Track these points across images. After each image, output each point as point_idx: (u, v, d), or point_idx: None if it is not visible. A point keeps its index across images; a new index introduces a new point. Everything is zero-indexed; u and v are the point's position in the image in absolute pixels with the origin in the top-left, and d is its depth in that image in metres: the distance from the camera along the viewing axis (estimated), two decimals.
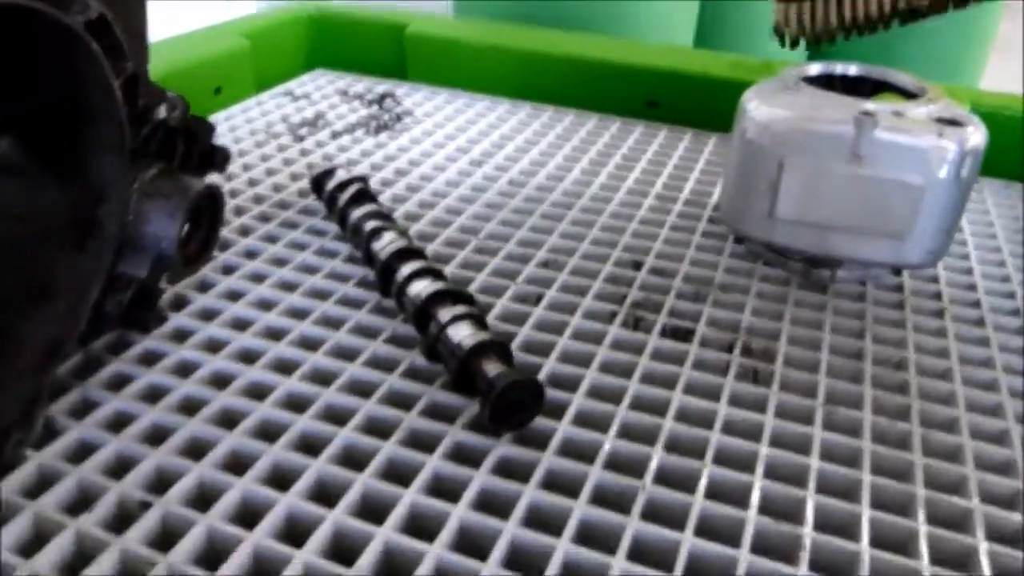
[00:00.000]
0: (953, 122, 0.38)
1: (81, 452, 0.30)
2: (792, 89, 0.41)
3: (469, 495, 0.28)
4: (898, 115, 0.38)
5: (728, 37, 0.92)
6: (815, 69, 0.44)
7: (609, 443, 0.31)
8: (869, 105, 0.38)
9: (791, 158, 0.39)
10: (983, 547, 0.28)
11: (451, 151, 0.57)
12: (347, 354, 0.35)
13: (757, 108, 0.40)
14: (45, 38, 0.25)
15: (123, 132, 0.29)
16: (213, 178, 0.37)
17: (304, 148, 0.56)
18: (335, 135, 0.58)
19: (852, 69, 0.44)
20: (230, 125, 0.59)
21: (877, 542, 0.28)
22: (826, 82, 0.44)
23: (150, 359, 0.35)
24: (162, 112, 0.31)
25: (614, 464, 0.30)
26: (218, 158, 0.37)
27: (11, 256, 0.30)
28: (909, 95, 0.42)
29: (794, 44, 0.39)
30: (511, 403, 0.31)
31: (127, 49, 0.27)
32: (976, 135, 0.38)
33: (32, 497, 0.28)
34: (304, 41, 0.72)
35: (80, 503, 0.28)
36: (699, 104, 0.63)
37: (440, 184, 0.52)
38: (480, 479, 0.29)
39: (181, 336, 0.36)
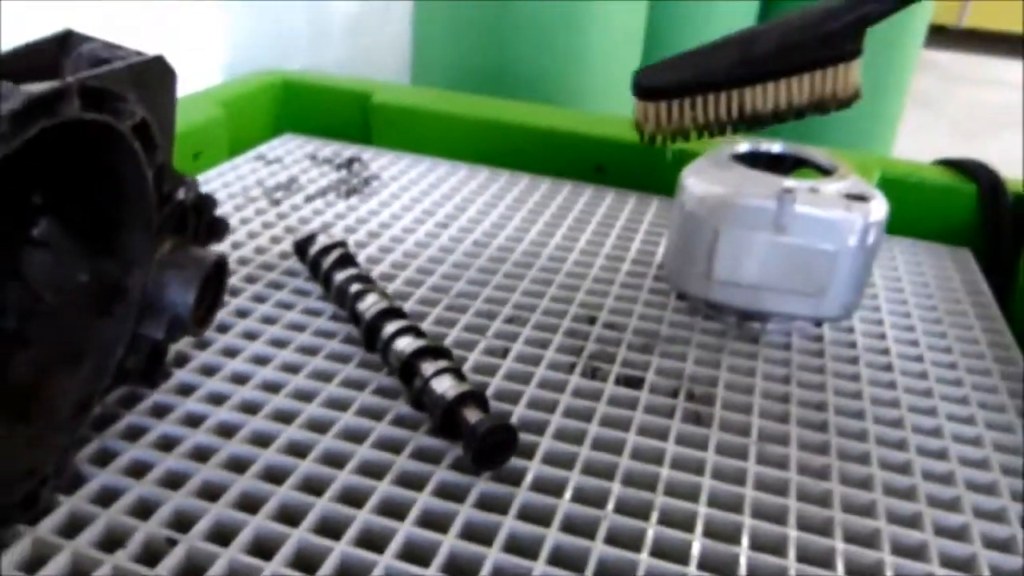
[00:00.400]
0: (860, 197, 0.45)
1: (107, 497, 0.33)
2: (724, 167, 0.47)
3: (456, 527, 0.33)
4: (814, 191, 0.44)
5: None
6: (743, 147, 0.50)
7: (574, 479, 0.36)
8: (789, 182, 0.44)
9: (724, 227, 0.44)
10: (888, 560, 0.33)
11: (418, 213, 0.62)
12: (339, 404, 0.40)
13: (695, 184, 0.46)
14: (97, 138, 0.30)
15: (151, 214, 0.33)
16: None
17: (280, 212, 0.60)
18: (308, 199, 0.63)
19: (775, 148, 0.51)
20: (208, 189, 0.63)
21: (802, 558, 0.33)
22: (752, 158, 0.50)
23: (160, 411, 0.38)
24: (181, 194, 0.35)
25: (579, 497, 0.35)
26: (219, 229, 0.41)
27: (48, 323, 0.33)
28: (824, 171, 0.49)
29: (651, 141, 0.40)
30: (490, 446, 0.35)
31: (159, 144, 0.32)
32: (879, 208, 0.44)
33: (68, 537, 0.31)
34: (274, 107, 0.76)
35: (111, 542, 0.31)
36: (643, 169, 0.69)
37: (410, 245, 0.57)
38: (465, 512, 0.34)
39: (186, 390, 0.40)
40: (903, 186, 0.66)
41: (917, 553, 0.34)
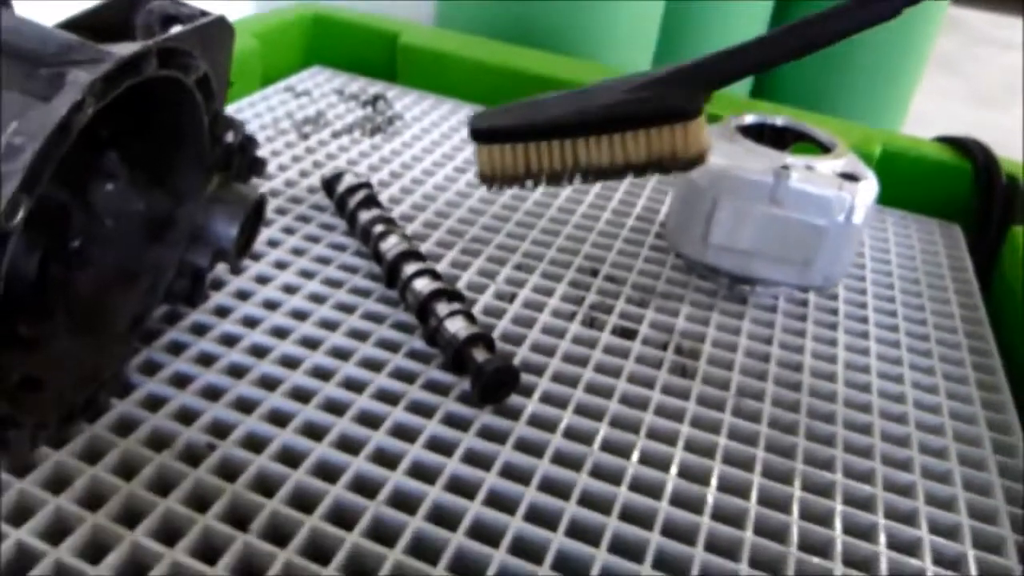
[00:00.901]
0: (852, 177, 0.48)
1: (153, 403, 0.38)
2: (729, 139, 0.50)
3: (459, 452, 0.37)
4: (809, 169, 0.47)
5: (690, 41, 1.01)
6: (749, 119, 0.53)
7: (567, 417, 0.40)
8: (788, 159, 0.48)
9: (723, 197, 0.48)
10: (839, 509, 0.38)
11: (438, 157, 0.65)
12: (359, 335, 0.44)
13: None
14: (164, 88, 0.33)
15: (204, 154, 0.37)
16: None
17: (308, 146, 0.63)
18: (335, 134, 0.66)
19: (779, 121, 0.54)
20: (240, 119, 0.66)
21: (764, 502, 0.38)
22: (757, 131, 0.53)
23: (199, 329, 0.42)
24: (229, 137, 0.38)
25: (570, 434, 0.40)
26: (258, 166, 0.44)
27: (108, 246, 0.37)
28: (823, 147, 0.52)
29: (488, 184, 0.37)
30: (494, 383, 0.39)
31: (216, 95, 0.35)
32: (869, 189, 0.48)
33: (120, 436, 0.35)
34: (304, 39, 0.79)
35: (157, 442, 0.36)
36: None
37: (429, 188, 0.60)
38: (468, 440, 0.38)
39: (223, 312, 0.44)
40: (902, 160, 0.69)
41: (866, 505, 0.39)
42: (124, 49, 0.27)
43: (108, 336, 0.37)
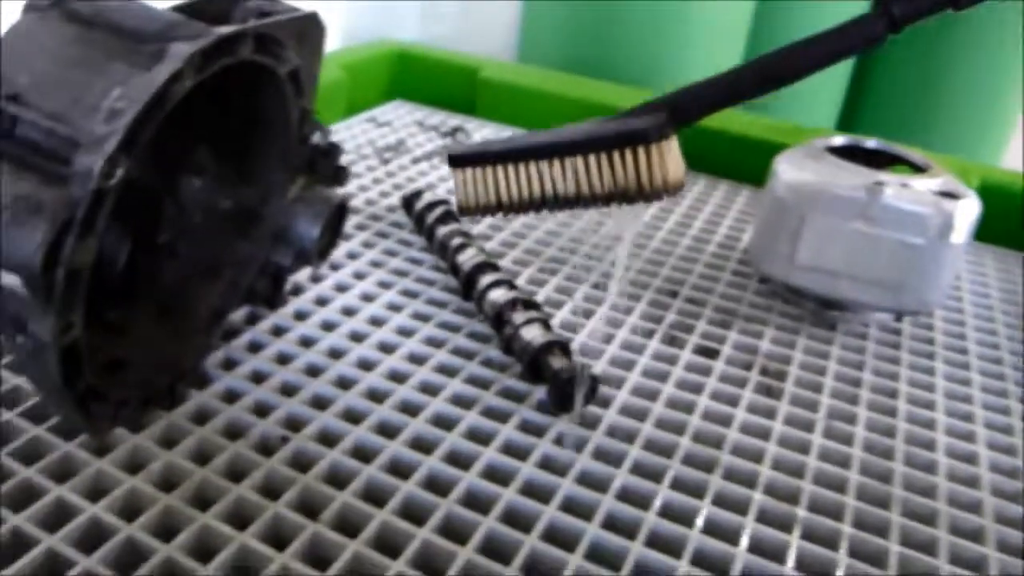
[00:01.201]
0: (951, 195, 0.46)
1: (230, 396, 0.38)
2: (817, 157, 0.49)
3: (534, 458, 0.36)
4: (905, 186, 0.46)
5: None
6: (839, 140, 0.52)
7: (646, 430, 0.39)
8: (881, 176, 0.46)
9: (811, 214, 0.46)
10: (944, 539, 0.35)
11: None
12: (435, 343, 0.43)
13: (786, 171, 0.48)
14: (256, 80, 0.34)
15: (290, 152, 0.37)
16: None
17: (388, 170, 0.64)
18: (415, 161, 0.67)
19: (870, 143, 0.52)
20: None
21: (858, 525, 0.35)
22: (848, 152, 0.51)
23: (278, 331, 0.43)
24: (316, 138, 0.39)
25: (650, 446, 0.38)
26: (342, 174, 0.45)
27: (195, 240, 0.38)
28: (917, 169, 0.50)
29: (463, 213, 0.35)
30: (571, 390, 0.38)
31: (305, 91, 0.36)
32: (969, 207, 0.45)
33: (197, 424, 0.35)
34: (388, 74, 0.81)
35: (232, 433, 0.36)
36: (734, 160, 0.71)
37: None
38: (543, 446, 0.37)
39: (301, 316, 0.44)
40: (1002, 195, 0.66)
41: (974, 536, 0.36)
42: (223, 30, 0.28)
43: (189, 327, 0.37)
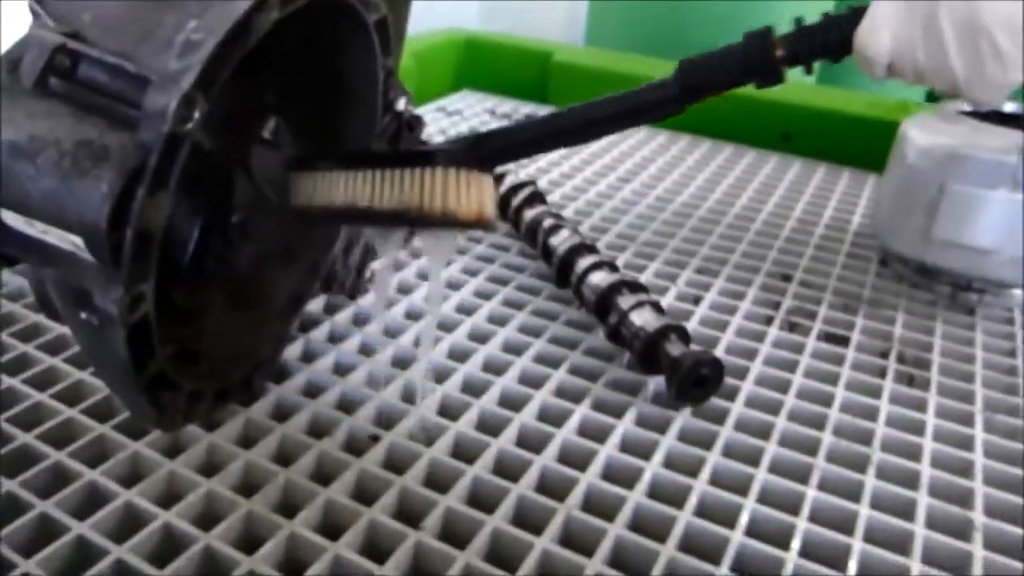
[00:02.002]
0: None
1: (312, 390, 0.34)
2: (952, 120, 0.43)
3: (659, 455, 0.31)
4: None
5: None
6: (966, 106, 0.46)
7: (781, 424, 0.34)
8: None
9: (952, 183, 0.41)
10: None
11: (598, 167, 0.60)
12: (532, 331, 0.39)
13: (919, 136, 0.42)
14: (338, 27, 0.30)
15: (376, 119, 0.34)
16: None
17: None
18: None
19: (1012, 107, 0.46)
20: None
21: None
22: (981, 118, 0.46)
23: (360, 321, 0.39)
24: (401, 104, 0.35)
25: (787, 442, 0.33)
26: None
27: (269, 220, 0.34)
28: None
29: (298, 216, 0.32)
30: (694, 379, 0.34)
31: (393, 47, 0.32)
32: None
33: (278, 421, 0.32)
34: (455, 62, 0.77)
35: (317, 431, 0.32)
36: (834, 139, 0.65)
37: (593, 196, 0.55)
38: (667, 443, 0.32)
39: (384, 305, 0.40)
40: None
41: None
42: None
43: (265, 315, 0.33)
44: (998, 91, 0.30)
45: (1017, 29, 0.29)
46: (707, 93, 0.30)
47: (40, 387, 0.33)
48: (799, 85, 0.71)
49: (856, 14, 0.30)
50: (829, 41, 0.30)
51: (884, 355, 0.40)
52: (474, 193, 0.28)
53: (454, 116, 0.69)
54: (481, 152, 0.29)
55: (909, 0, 0.30)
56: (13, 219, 0.21)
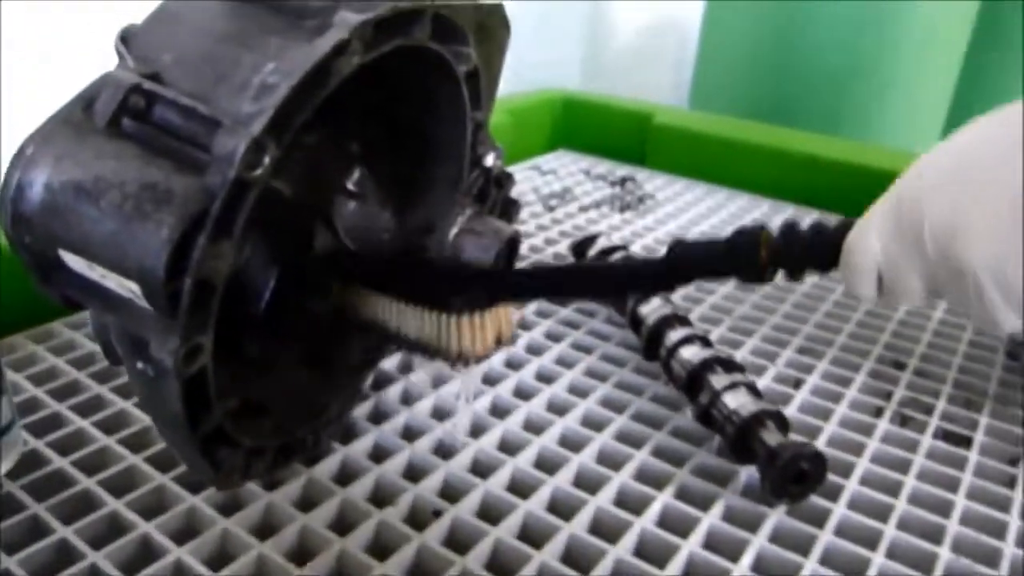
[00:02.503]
0: None
1: (379, 454, 0.32)
2: None
3: (748, 557, 0.28)
4: None
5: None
6: None
7: (889, 533, 0.30)
8: None
9: None
10: None
11: (695, 235, 0.58)
12: (614, 405, 0.36)
13: None
14: (427, 78, 0.29)
15: (462, 173, 0.32)
16: None
17: (555, 218, 0.59)
18: (582, 209, 0.61)
19: None
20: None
21: None
22: None
23: (436, 382, 0.37)
24: (490, 160, 0.34)
25: (896, 554, 0.29)
26: (513, 209, 0.39)
27: None
28: None
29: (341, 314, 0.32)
30: (793, 474, 0.30)
31: (483, 101, 0.31)
32: None
33: (340, 485, 0.30)
34: (552, 122, 0.76)
35: (380, 498, 0.30)
36: None
37: None
38: (757, 544, 0.29)
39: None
40: None
41: None
42: (399, 3, 0.23)
43: (338, 371, 0.32)
44: (997, 331, 0.26)
45: (1005, 277, 0.25)
46: (692, 278, 0.31)
47: (108, 431, 0.32)
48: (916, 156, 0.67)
49: (847, 224, 0.29)
50: (815, 245, 0.29)
51: (1013, 462, 0.35)
52: (489, 329, 0.29)
53: (548, 175, 0.68)
54: (495, 293, 0.29)
55: (897, 205, 0.27)
56: (75, 262, 0.20)
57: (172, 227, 0.19)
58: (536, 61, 0.90)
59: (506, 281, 0.31)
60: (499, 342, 0.29)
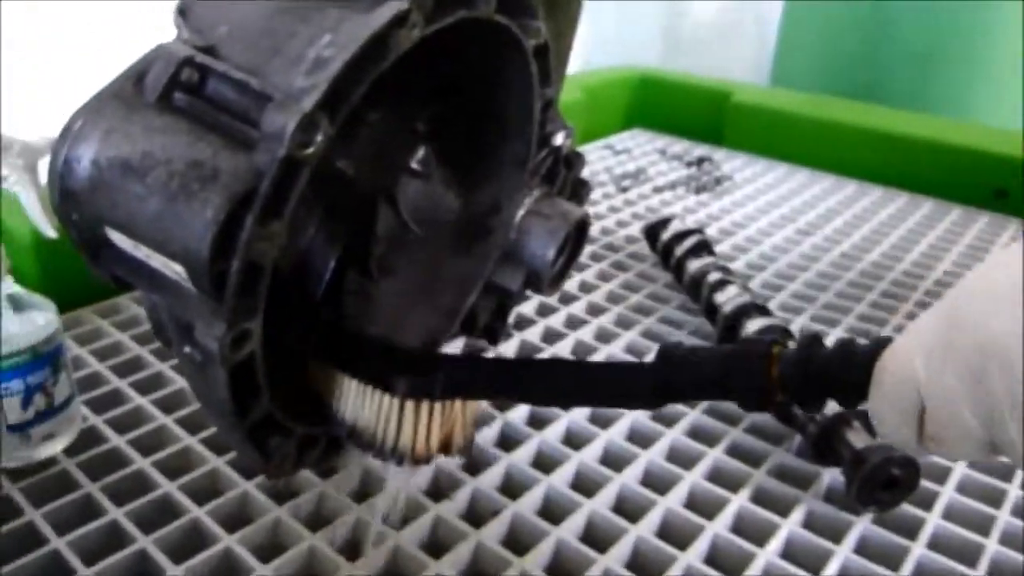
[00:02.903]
0: None
1: None
2: None
3: (830, 571, 0.26)
4: None
5: None
6: None
7: (991, 548, 0.27)
8: None
9: None
10: None
11: (775, 218, 0.55)
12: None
13: None
14: (494, 53, 0.27)
15: (530, 152, 0.31)
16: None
17: (627, 199, 0.57)
18: (656, 190, 0.59)
19: None
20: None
21: None
22: None
23: None
24: (559, 139, 0.32)
25: (999, 571, 0.27)
26: (584, 190, 0.38)
27: (411, 254, 0.32)
28: None
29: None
30: (882, 480, 0.28)
31: (553, 77, 0.29)
32: None
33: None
34: (627, 100, 0.74)
35: (437, 491, 0.29)
36: None
37: (767, 248, 0.50)
38: (842, 554, 0.27)
39: (528, 351, 0.37)
40: None
41: None
42: None
43: None
44: None
45: None
46: (682, 400, 0.26)
47: (167, 410, 0.32)
48: (1018, 134, 0.62)
49: (880, 343, 0.21)
50: (840, 368, 0.21)
51: None
52: (436, 429, 0.24)
53: (621, 155, 0.66)
54: (444, 383, 0.25)
55: (951, 317, 0.20)
56: (121, 240, 0.19)
57: (217, 207, 0.18)
58: (614, 37, 0.87)
59: (471, 372, 0.26)
60: (447, 449, 0.24)
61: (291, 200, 0.19)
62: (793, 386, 0.22)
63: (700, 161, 0.66)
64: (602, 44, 0.84)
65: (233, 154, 0.18)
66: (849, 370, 0.21)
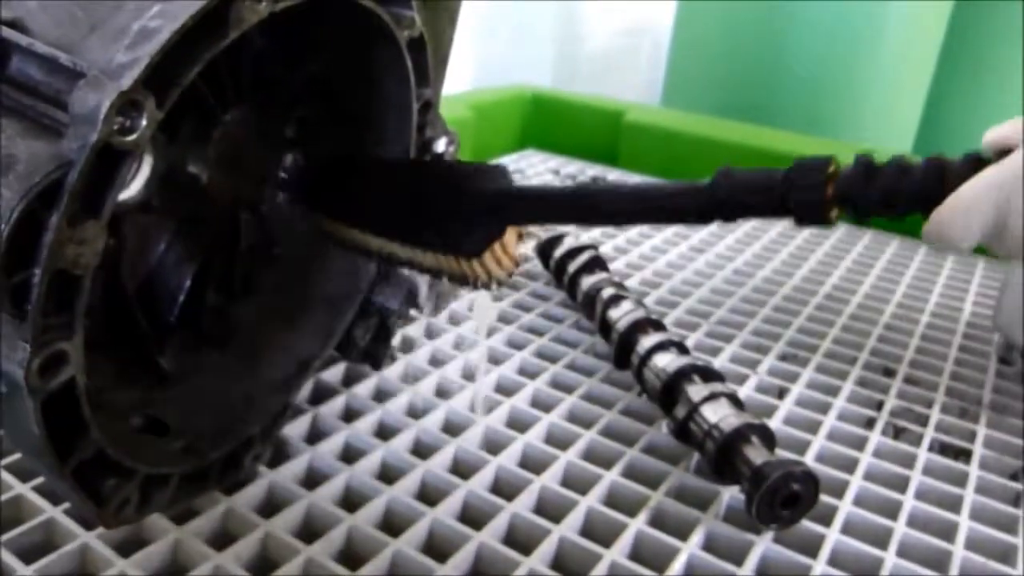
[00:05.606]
0: None
1: (312, 479, 0.28)
2: None
3: None
4: None
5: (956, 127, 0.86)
6: None
7: (890, 561, 0.27)
8: None
9: None
10: None
11: (669, 235, 0.55)
12: (581, 420, 0.33)
13: None
14: (365, 47, 0.25)
15: (406, 155, 0.29)
16: None
17: None
18: None
19: None
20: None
21: None
22: None
23: (381, 396, 0.33)
24: (440, 145, 0.30)
25: None
26: None
27: (279, 272, 0.29)
28: None
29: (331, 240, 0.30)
30: (783, 497, 0.27)
31: (430, 76, 0.27)
32: None
33: (266, 516, 0.26)
34: (520, 120, 0.73)
35: (310, 533, 0.26)
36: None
37: (662, 265, 0.49)
38: None
39: (412, 378, 0.35)
40: None
41: None
42: None
43: (265, 383, 0.28)
44: None
45: None
46: (739, 215, 0.25)
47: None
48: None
49: (937, 169, 0.24)
50: (900, 190, 0.24)
51: (1015, 477, 0.32)
52: (508, 255, 0.26)
53: (515, 175, 0.64)
54: (510, 215, 0.26)
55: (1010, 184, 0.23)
56: None
57: (8, 201, 0.15)
58: (508, 61, 0.87)
59: (524, 202, 0.28)
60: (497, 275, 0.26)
61: (110, 196, 0.16)
62: (855, 194, 0.24)
63: (594, 181, 0.65)
64: (496, 68, 0.83)
65: (33, 141, 0.16)
66: (916, 181, 0.24)
